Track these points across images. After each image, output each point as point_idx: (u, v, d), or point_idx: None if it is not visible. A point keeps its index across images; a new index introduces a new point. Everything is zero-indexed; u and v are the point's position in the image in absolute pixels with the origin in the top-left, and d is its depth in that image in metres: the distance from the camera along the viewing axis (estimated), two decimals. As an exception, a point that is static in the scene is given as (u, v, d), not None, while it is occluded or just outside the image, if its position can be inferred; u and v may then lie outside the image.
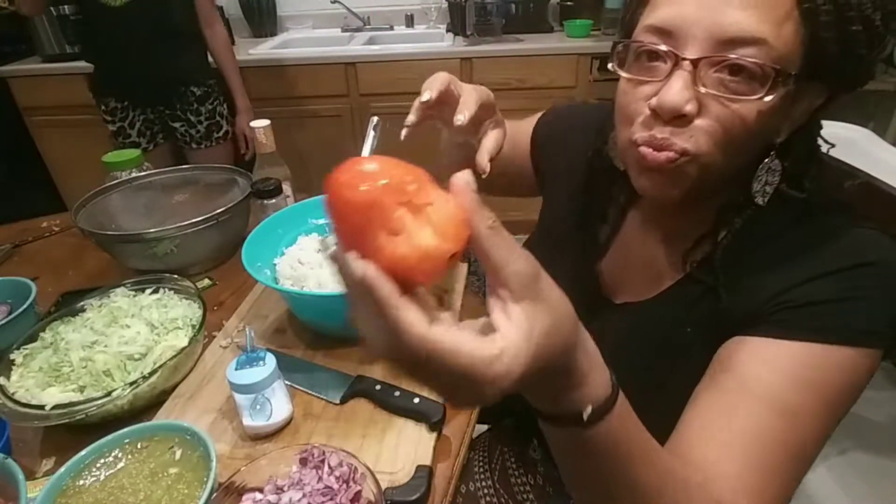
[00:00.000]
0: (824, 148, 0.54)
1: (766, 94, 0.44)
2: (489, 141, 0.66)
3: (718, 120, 0.47)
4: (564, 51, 2.26)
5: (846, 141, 1.52)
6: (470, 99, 0.62)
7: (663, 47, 0.47)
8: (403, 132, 0.64)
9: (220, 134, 1.94)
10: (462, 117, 0.61)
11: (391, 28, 2.70)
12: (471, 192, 0.30)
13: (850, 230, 0.51)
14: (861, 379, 0.49)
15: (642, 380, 0.57)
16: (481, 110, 0.63)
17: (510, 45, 2.28)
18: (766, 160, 0.51)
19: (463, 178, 0.31)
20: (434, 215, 0.30)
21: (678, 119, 0.47)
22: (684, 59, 0.46)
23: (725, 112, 0.46)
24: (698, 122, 0.47)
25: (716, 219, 0.56)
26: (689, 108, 0.46)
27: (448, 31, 2.56)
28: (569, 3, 2.47)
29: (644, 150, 0.50)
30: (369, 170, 0.30)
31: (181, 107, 1.86)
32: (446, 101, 0.62)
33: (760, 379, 0.48)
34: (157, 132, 1.92)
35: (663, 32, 0.47)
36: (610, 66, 0.53)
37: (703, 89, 0.46)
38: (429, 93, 0.61)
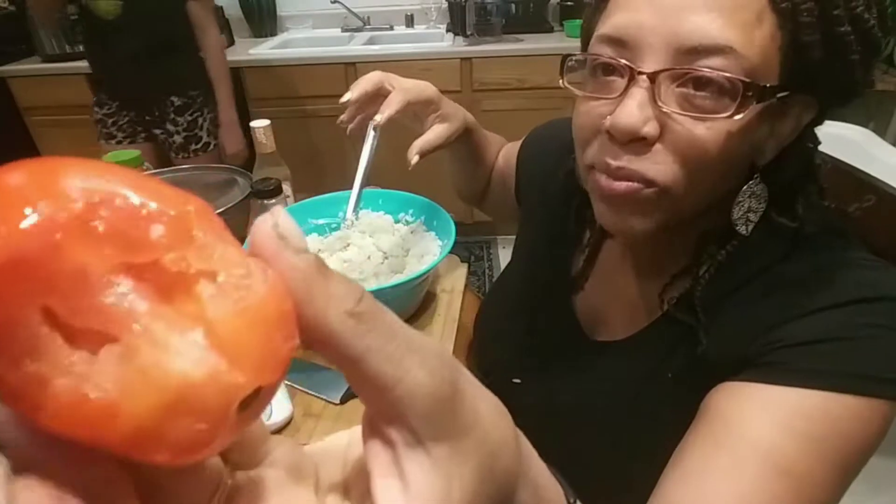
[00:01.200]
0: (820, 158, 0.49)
1: (737, 112, 0.38)
2: (428, 135, 0.68)
3: (684, 142, 0.40)
4: (564, 51, 2.21)
5: (846, 141, 1.52)
6: (395, 99, 0.65)
7: (619, 60, 0.41)
8: (348, 128, 0.70)
9: (199, 146, 1.90)
10: (380, 117, 0.65)
11: (391, 28, 2.70)
12: (293, 248, 0.16)
13: (852, 263, 0.44)
14: (877, 432, 0.40)
15: (619, 430, 0.54)
16: (413, 107, 0.66)
17: (510, 45, 2.28)
18: (749, 184, 0.44)
19: (268, 222, 0.17)
20: (219, 301, 0.15)
21: (636, 142, 0.41)
22: (640, 72, 0.39)
23: (691, 133, 0.39)
24: (660, 145, 0.41)
25: (695, 250, 0.49)
26: (648, 129, 0.40)
27: (448, 31, 2.56)
28: (569, 3, 2.47)
29: (599, 177, 0.44)
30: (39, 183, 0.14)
31: (160, 115, 1.86)
32: (376, 100, 0.66)
33: (756, 433, 0.40)
34: (140, 132, 1.92)
35: (618, 42, 0.41)
36: (561, 82, 0.48)
37: (663, 107, 0.40)
38: (349, 94, 0.67)
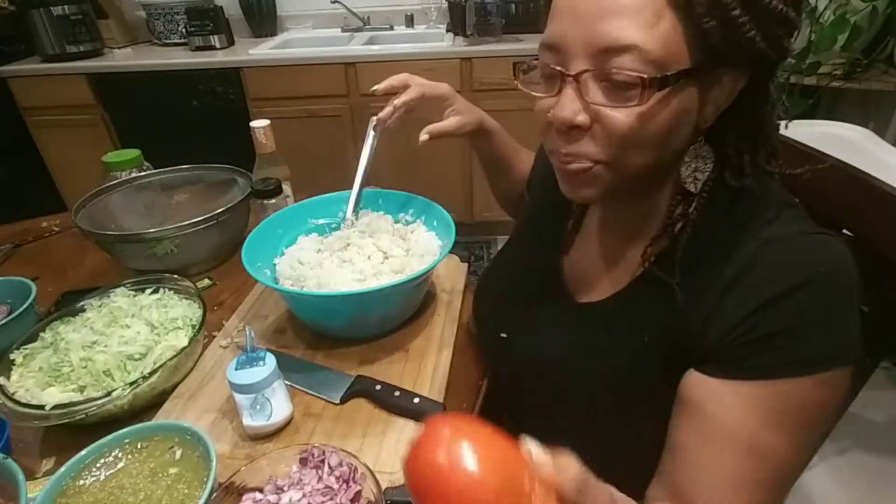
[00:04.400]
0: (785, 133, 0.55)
1: (640, 102, 0.45)
2: (441, 122, 0.80)
3: (612, 125, 0.48)
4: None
5: (846, 141, 1.52)
6: (412, 90, 0.79)
7: (551, 65, 0.49)
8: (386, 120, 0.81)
9: None
10: (397, 102, 0.79)
11: (391, 28, 2.70)
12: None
13: (793, 238, 0.50)
14: (834, 399, 0.49)
15: (595, 386, 0.59)
16: (428, 99, 0.80)
17: (510, 45, 2.28)
18: (695, 145, 0.52)
19: (569, 466, 0.34)
20: None
21: (574, 130, 0.49)
22: (567, 75, 0.48)
23: (614, 118, 0.47)
24: (596, 128, 0.49)
25: (667, 211, 0.56)
26: (581, 118, 0.48)
27: (448, 31, 2.56)
28: (569, 3, 2.47)
29: (556, 160, 0.53)
30: (476, 475, 0.27)
31: None
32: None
33: (730, 425, 0.48)
34: None
35: (552, 48, 0.49)
36: (516, 82, 0.55)
37: (589, 100, 0.48)
38: (378, 86, 0.80)
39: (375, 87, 0.81)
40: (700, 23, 0.43)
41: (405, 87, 0.80)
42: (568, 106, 0.48)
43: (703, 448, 0.50)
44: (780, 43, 0.47)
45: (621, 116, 0.47)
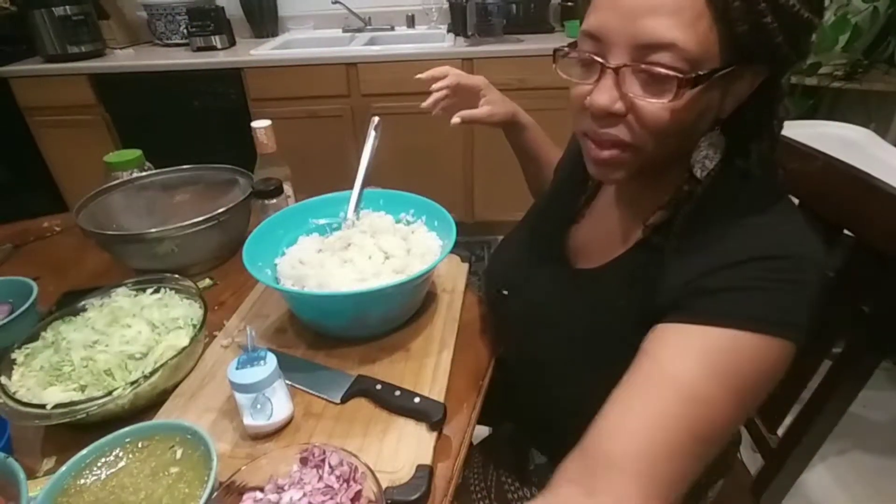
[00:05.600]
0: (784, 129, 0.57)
1: (675, 98, 0.48)
2: (475, 110, 0.88)
3: (645, 115, 0.51)
4: (565, 51, 2.26)
5: (847, 141, 1.52)
6: (449, 79, 0.88)
7: (591, 56, 0.52)
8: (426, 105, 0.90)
9: None
10: (435, 86, 0.88)
11: (392, 28, 2.70)
12: None
13: (776, 221, 0.53)
14: (773, 369, 0.50)
15: (579, 347, 0.64)
16: (462, 88, 0.89)
17: (511, 46, 2.28)
18: (710, 134, 0.55)
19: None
20: None
21: (610, 116, 0.53)
22: (607, 67, 0.51)
23: (648, 109, 0.51)
24: (630, 117, 0.52)
25: (674, 191, 0.59)
26: (618, 106, 0.52)
27: (449, 31, 2.56)
28: (569, 3, 2.47)
29: (589, 143, 0.57)
30: None
31: None
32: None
33: (672, 366, 0.49)
34: None
35: (593, 37, 0.52)
36: (554, 67, 0.58)
37: (626, 91, 0.51)
38: (422, 74, 0.91)
39: (419, 75, 0.90)
40: (734, 26, 0.46)
41: (445, 77, 0.89)
42: (606, 94, 0.51)
43: (641, 388, 0.50)
44: (802, 46, 0.50)
45: (654, 108, 0.50)
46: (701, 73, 0.48)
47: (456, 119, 0.85)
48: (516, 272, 0.77)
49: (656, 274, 0.56)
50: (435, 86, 0.88)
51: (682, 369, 0.48)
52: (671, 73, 0.47)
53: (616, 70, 0.50)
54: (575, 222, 0.74)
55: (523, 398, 0.76)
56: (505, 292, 0.77)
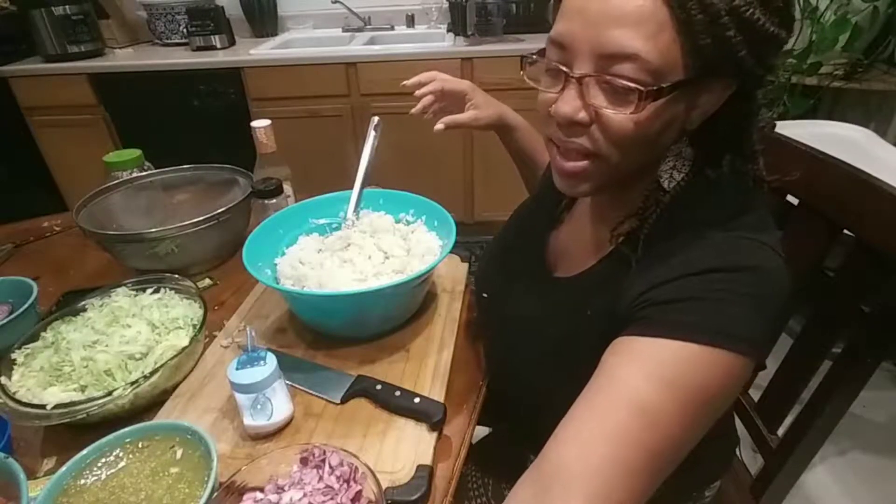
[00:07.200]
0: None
1: (636, 111, 0.48)
2: (458, 115, 0.87)
3: (609, 126, 0.51)
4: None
5: (847, 141, 1.52)
6: (434, 84, 0.87)
7: (556, 65, 0.52)
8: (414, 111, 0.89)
9: None
10: (418, 92, 0.87)
11: (392, 28, 2.70)
12: None
13: (740, 234, 0.52)
14: (725, 383, 0.48)
15: (549, 354, 0.64)
16: (448, 94, 0.88)
17: (511, 45, 2.28)
18: (677, 144, 0.55)
19: None
20: None
21: (575, 125, 0.52)
22: (570, 76, 0.51)
23: (612, 120, 0.50)
24: (594, 127, 0.52)
25: (644, 198, 0.58)
26: (581, 115, 0.51)
27: (449, 31, 2.56)
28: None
29: (554, 151, 0.57)
30: None
31: None
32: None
33: (624, 379, 0.48)
34: None
35: (560, 45, 0.51)
36: (522, 74, 0.58)
37: (589, 101, 0.51)
38: (406, 81, 0.88)
39: (405, 83, 0.88)
40: (697, 39, 0.46)
41: (431, 81, 0.88)
42: (570, 103, 0.51)
43: (594, 403, 0.48)
44: (768, 60, 0.49)
45: (618, 119, 0.50)
46: (664, 85, 0.47)
47: (440, 125, 0.85)
48: (497, 277, 0.77)
49: (620, 285, 0.55)
50: (419, 92, 0.87)
51: (634, 383, 0.47)
52: (632, 85, 0.47)
53: (579, 80, 0.50)
54: (555, 228, 0.74)
55: (510, 400, 0.75)
56: (485, 295, 0.77)
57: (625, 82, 0.47)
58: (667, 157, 0.56)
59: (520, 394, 0.70)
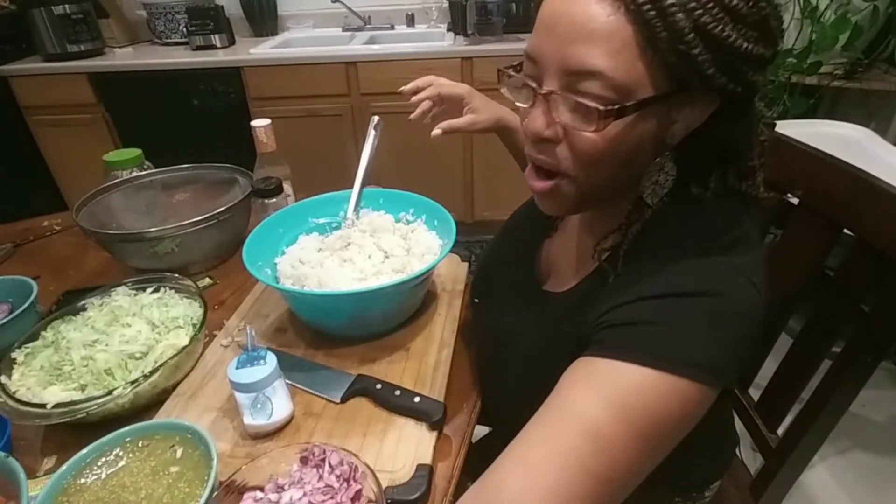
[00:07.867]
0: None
1: (598, 129, 0.47)
2: (456, 119, 0.86)
3: (575, 143, 0.50)
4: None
5: (847, 140, 1.52)
6: (431, 89, 0.87)
7: (525, 80, 0.52)
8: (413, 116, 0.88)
9: None
10: (415, 98, 0.87)
11: (392, 27, 2.70)
12: None
13: (715, 257, 0.50)
14: (682, 412, 0.46)
15: (528, 367, 0.63)
16: (445, 98, 0.87)
17: (511, 45, 2.28)
18: (659, 160, 0.52)
19: None
20: None
21: (544, 141, 0.52)
22: (539, 93, 0.50)
23: (579, 137, 0.49)
24: (563, 144, 0.51)
25: (628, 214, 0.57)
26: (549, 132, 0.51)
27: (449, 30, 2.56)
28: (569, 2, 2.47)
29: (529, 172, 0.57)
30: None
31: None
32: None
33: (576, 401, 0.47)
34: None
35: (532, 60, 0.51)
36: (501, 88, 0.58)
37: (556, 118, 0.50)
38: (405, 86, 0.87)
39: (402, 88, 0.88)
40: (663, 56, 0.45)
41: (428, 86, 0.87)
42: (538, 119, 0.51)
43: (545, 423, 0.47)
44: (744, 78, 0.47)
45: (584, 136, 0.49)
46: (628, 103, 0.46)
47: (437, 131, 0.84)
48: (488, 283, 0.77)
49: (593, 303, 0.54)
50: (415, 98, 0.87)
51: (586, 404, 0.46)
52: (591, 104, 0.46)
53: (546, 96, 0.50)
54: (548, 237, 0.73)
55: (499, 403, 0.75)
56: (476, 300, 0.78)
57: (587, 98, 0.47)
58: (649, 171, 0.53)
59: (503, 400, 0.70)
